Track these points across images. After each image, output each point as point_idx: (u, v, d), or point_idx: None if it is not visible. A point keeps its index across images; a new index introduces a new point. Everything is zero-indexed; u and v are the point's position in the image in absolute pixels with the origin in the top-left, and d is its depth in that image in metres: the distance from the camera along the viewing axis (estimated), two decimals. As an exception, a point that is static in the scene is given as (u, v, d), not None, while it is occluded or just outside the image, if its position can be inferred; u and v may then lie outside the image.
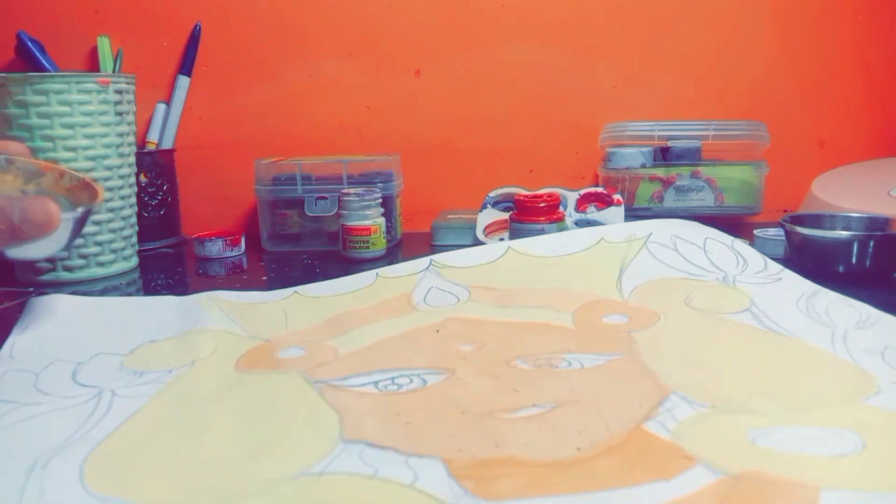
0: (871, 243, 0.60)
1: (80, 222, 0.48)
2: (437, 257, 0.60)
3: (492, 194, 0.83)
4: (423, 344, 0.46)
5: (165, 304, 0.55)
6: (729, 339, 0.46)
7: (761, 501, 0.28)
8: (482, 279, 0.57)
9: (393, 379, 0.41)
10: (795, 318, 0.48)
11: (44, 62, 0.82)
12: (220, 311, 0.53)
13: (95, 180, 0.51)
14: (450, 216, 0.85)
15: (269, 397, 0.39)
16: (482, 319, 0.51)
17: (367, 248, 0.73)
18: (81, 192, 0.50)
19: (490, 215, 0.80)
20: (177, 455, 0.33)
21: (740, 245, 0.60)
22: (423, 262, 0.60)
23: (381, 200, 0.75)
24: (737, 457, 0.31)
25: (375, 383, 0.41)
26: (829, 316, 0.49)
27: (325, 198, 0.79)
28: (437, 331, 0.49)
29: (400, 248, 0.81)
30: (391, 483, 0.30)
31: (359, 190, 0.75)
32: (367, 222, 0.73)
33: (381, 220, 0.75)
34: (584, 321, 0.50)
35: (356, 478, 0.30)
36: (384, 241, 0.75)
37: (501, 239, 0.75)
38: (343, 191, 0.74)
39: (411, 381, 0.41)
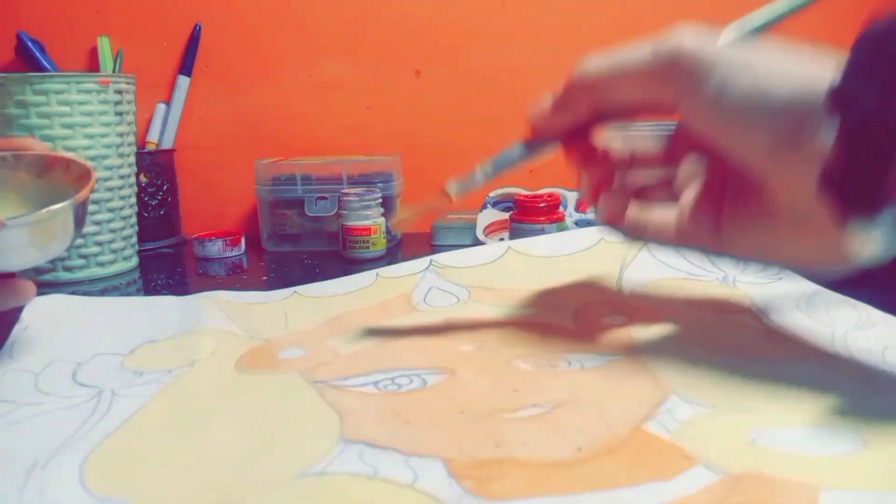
0: (871, 244, 0.59)
1: (81, 217, 0.46)
2: (437, 257, 0.60)
3: (492, 194, 0.84)
4: (423, 344, 0.46)
5: (166, 304, 0.55)
6: (727, 339, 0.46)
7: (760, 501, 0.28)
8: (482, 279, 0.57)
9: (393, 379, 0.41)
10: (795, 319, 0.48)
11: (44, 62, 0.82)
12: (220, 312, 0.53)
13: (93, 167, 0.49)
14: (450, 216, 0.85)
15: (270, 397, 0.39)
16: (482, 319, 0.51)
17: (367, 248, 0.73)
18: (86, 182, 0.47)
19: (490, 215, 0.81)
20: (177, 455, 0.33)
21: None
22: (423, 262, 0.60)
23: (381, 200, 0.75)
24: (736, 457, 0.31)
25: (376, 383, 0.40)
26: (829, 316, 0.48)
27: (325, 198, 0.79)
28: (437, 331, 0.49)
29: (400, 248, 0.81)
30: (391, 483, 0.30)
31: (359, 190, 0.75)
32: (367, 222, 0.73)
33: (382, 220, 0.75)
34: (584, 321, 0.50)
35: (356, 478, 0.30)
36: (384, 241, 0.75)
37: (501, 239, 0.75)
38: (343, 191, 0.74)
39: (411, 381, 0.40)
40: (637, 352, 0.44)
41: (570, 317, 0.50)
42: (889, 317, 0.47)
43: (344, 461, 0.32)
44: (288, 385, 0.41)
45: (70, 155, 0.49)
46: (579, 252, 0.60)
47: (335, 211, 0.77)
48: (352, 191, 0.74)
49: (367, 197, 0.74)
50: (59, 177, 0.48)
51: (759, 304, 0.51)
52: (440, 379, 0.41)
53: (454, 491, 0.29)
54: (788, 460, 0.31)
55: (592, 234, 0.62)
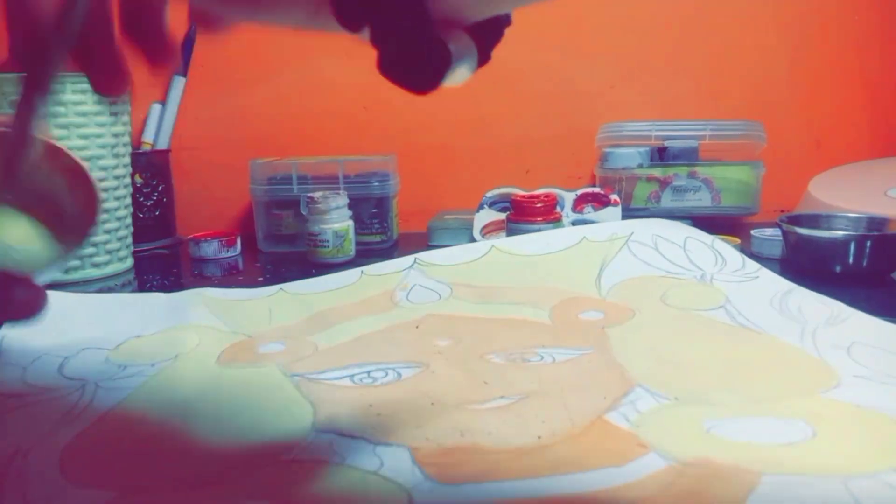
0: (869, 243, 0.59)
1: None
2: (422, 255, 0.61)
3: (489, 195, 0.83)
4: (402, 339, 0.47)
5: (152, 301, 0.56)
6: (699, 335, 0.46)
7: (703, 485, 0.29)
8: (464, 277, 0.58)
9: (369, 373, 0.42)
10: (768, 315, 0.49)
11: (39, 62, 0.82)
12: (205, 308, 0.53)
13: (96, 180, 0.48)
14: (446, 216, 0.85)
15: (248, 390, 0.40)
16: (461, 315, 0.51)
17: (335, 252, 0.72)
18: (77, 180, 0.47)
19: (487, 216, 0.80)
20: (153, 443, 0.34)
21: (720, 244, 0.61)
22: (408, 260, 0.61)
23: (348, 203, 0.74)
24: (689, 445, 0.32)
25: (351, 377, 0.41)
26: (801, 313, 0.49)
27: (321, 198, 0.78)
28: (417, 326, 0.50)
29: (396, 249, 0.80)
30: (357, 470, 0.31)
31: (325, 193, 0.73)
32: (334, 226, 0.72)
33: (350, 224, 0.73)
34: (560, 317, 0.51)
35: (325, 465, 0.32)
36: (352, 245, 0.73)
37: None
38: (308, 195, 0.73)
39: (386, 374, 0.42)
40: (608, 346, 0.45)
41: (547, 313, 0.51)
42: (859, 313, 0.48)
43: (314, 449, 0.33)
44: (266, 378, 0.42)
45: (59, 145, 0.48)
46: (561, 251, 0.61)
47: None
48: (318, 194, 0.72)
49: (332, 200, 0.72)
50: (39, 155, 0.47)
51: (733, 301, 0.52)
52: (415, 372, 0.42)
53: (416, 476, 0.30)
54: (738, 448, 0.32)
55: (575, 233, 0.63)
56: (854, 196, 0.74)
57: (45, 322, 0.49)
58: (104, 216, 0.70)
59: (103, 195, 0.69)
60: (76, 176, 0.46)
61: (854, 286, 0.57)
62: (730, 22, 0.89)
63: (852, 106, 0.91)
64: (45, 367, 0.44)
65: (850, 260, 0.60)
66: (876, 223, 0.64)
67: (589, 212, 0.78)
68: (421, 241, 0.81)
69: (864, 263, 0.59)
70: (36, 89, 0.28)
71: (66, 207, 0.46)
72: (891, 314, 0.48)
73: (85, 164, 0.46)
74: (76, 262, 0.69)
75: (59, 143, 0.47)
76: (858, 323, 0.47)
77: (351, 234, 0.73)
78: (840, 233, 0.62)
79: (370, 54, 0.25)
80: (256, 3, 0.26)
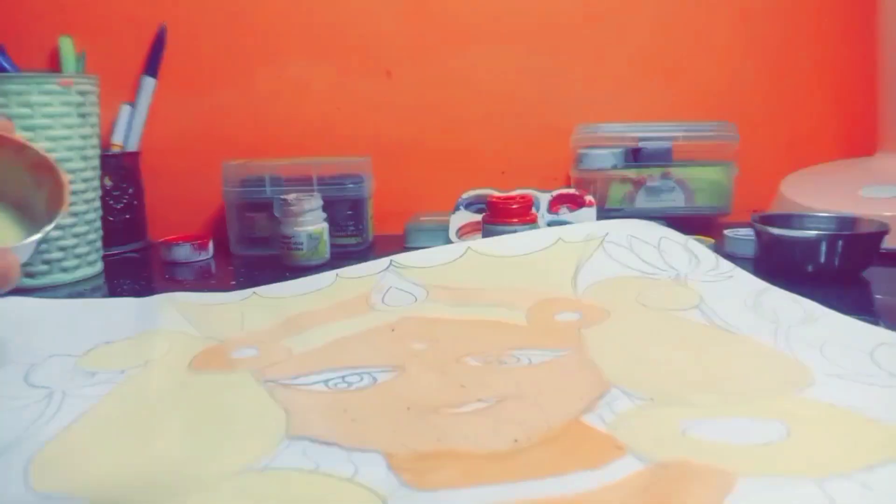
0: (840, 243, 0.60)
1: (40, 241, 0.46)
2: (398, 257, 0.61)
3: (464, 196, 0.83)
4: (377, 343, 0.47)
5: (122, 306, 0.55)
6: (674, 335, 0.47)
7: (679, 487, 0.29)
8: (441, 279, 0.58)
9: (343, 377, 0.41)
10: (742, 315, 0.49)
11: (3, 63, 0.80)
12: (176, 313, 0.53)
13: (62, 169, 0.48)
14: (422, 218, 0.85)
15: (220, 397, 0.40)
16: (437, 318, 0.51)
17: (309, 255, 0.71)
18: (45, 173, 0.47)
19: (463, 217, 0.80)
20: (124, 453, 0.34)
21: (693, 244, 0.61)
22: (384, 262, 0.60)
23: (322, 205, 0.73)
24: (665, 447, 0.32)
25: (326, 382, 0.41)
26: (775, 313, 0.50)
27: (295, 200, 0.78)
28: (393, 330, 0.49)
29: (372, 251, 0.80)
30: (331, 477, 0.31)
31: (299, 195, 0.72)
32: (308, 228, 0.72)
33: (324, 226, 0.73)
34: (536, 319, 0.51)
35: (298, 472, 0.31)
36: (326, 248, 0.73)
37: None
38: (282, 197, 0.72)
39: (362, 378, 0.41)
40: (584, 348, 0.45)
41: (523, 314, 0.51)
42: (832, 312, 0.49)
43: (288, 457, 0.32)
44: (238, 384, 0.41)
45: (22, 139, 0.48)
46: (537, 252, 0.61)
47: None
48: (291, 196, 0.72)
49: (306, 202, 0.71)
50: (8, 157, 0.47)
51: (708, 301, 0.52)
52: (390, 376, 0.41)
53: (391, 483, 0.30)
54: (713, 450, 0.32)
55: (550, 234, 0.63)
56: (826, 196, 0.75)
57: (11, 328, 0.49)
58: (73, 220, 0.69)
59: (71, 198, 0.68)
60: (43, 168, 0.47)
61: (826, 285, 0.57)
62: (703, 24, 0.90)
63: (823, 107, 0.92)
64: (10, 376, 0.43)
65: (822, 259, 0.60)
66: (847, 223, 0.65)
67: (564, 213, 0.78)
68: (397, 243, 0.80)
69: (836, 262, 0.60)
70: None
71: (33, 195, 0.46)
72: (862, 313, 0.49)
73: (51, 157, 0.47)
74: (44, 267, 0.67)
75: (25, 141, 0.47)
76: (831, 322, 0.47)
77: (325, 237, 0.73)
78: (812, 232, 0.62)
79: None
80: None
